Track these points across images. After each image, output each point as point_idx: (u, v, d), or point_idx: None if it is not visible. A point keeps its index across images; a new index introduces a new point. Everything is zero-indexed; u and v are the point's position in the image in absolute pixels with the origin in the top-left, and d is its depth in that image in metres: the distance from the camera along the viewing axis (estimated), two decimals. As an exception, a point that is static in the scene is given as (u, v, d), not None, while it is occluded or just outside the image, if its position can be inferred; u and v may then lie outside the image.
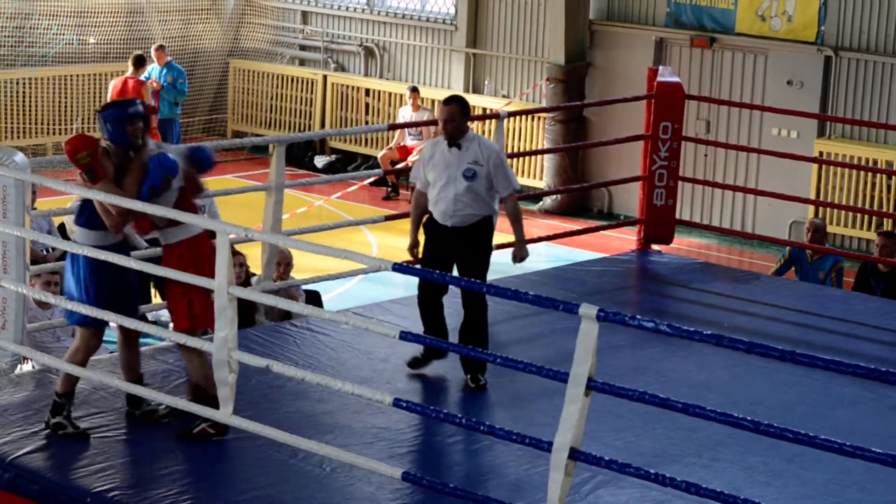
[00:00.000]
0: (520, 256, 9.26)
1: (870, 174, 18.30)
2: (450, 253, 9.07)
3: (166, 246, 7.94)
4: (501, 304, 10.42)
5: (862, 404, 9.16)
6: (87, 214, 7.91)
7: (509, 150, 19.98)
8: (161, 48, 21.06)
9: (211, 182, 19.41)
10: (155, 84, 20.49)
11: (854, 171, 18.38)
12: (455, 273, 9.00)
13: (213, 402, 7.71)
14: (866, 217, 18.43)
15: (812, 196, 18.40)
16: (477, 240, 9.04)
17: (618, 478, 7.44)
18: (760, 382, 9.43)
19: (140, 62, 20.19)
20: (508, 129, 20.95)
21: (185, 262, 7.82)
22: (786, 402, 9.12)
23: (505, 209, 9.18)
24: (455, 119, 8.97)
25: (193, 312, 7.87)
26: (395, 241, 15.47)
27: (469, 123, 9.15)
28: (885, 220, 17.88)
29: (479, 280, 8.72)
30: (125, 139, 7.78)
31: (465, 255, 9.05)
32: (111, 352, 10.17)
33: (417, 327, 9.06)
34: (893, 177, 18.16)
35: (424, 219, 9.27)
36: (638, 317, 6.35)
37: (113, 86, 20.31)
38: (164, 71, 20.63)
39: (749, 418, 6.13)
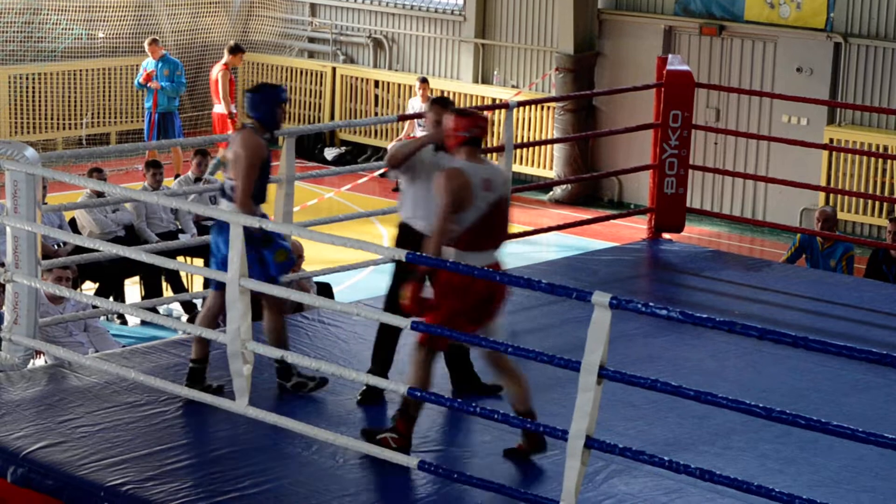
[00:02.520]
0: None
1: (880, 160, 18.27)
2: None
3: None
4: (513, 294, 10.42)
5: (875, 390, 9.16)
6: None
7: (519, 140, 19.97)
8: (154, 42, 20.46)
9: (219, 175, 19.36)
10: (154, 84, 20.17)
11: (864, 158, 18.34)
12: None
13: (409, 421, 7.58)
14: (877, 203, 18.38)
15: (822, 183, 18.38)
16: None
17: (631, 466, 7.45)
18: (772, 370, 9.42)
19: (237, 49, 19.93)
20: (518, 119, 20.94)
21: (450, 285, 7.48)
22: (798, 388, 9.12)
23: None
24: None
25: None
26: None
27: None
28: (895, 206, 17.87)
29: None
30: (274, 122, 8.19)
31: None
32: (123, 346, 10.19)
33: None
34: (904, 163, 18.15)
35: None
36: (651, 304, 6.35)
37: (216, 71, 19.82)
38: (160, 65, 20.23)
39: (761, 405, 6.12)
